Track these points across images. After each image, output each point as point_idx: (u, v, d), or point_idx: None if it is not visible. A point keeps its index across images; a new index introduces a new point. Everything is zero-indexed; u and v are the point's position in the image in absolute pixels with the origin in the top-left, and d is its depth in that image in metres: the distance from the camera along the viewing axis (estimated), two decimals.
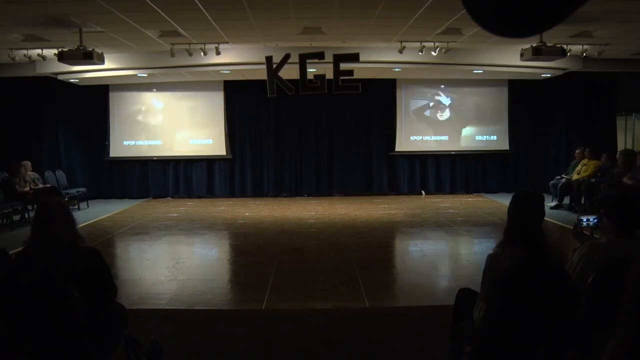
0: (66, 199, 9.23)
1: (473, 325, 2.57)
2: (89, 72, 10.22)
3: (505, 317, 2.34)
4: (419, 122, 12.88)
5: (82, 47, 7.92)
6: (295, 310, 4.56)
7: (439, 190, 12.86)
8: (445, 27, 8.02)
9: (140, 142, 12.70)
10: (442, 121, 12.89)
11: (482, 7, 1.41)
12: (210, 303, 4.77)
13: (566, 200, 9.98)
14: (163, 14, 7.04)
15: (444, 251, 7.24)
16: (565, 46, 8.60)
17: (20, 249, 2.71)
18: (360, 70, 9.34)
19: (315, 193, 12.68)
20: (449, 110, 12.87)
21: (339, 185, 12.81)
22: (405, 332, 3.97)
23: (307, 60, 8.38)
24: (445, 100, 12.88)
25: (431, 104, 12.91)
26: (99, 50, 8.36)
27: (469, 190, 12.87)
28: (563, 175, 10.41)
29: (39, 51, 8.87)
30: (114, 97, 12.51)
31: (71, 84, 11.28)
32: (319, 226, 8.72)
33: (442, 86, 12.78)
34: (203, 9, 6.84)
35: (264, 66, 8.58)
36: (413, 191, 12.82)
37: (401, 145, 12.78)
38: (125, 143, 12.64)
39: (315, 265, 6.26)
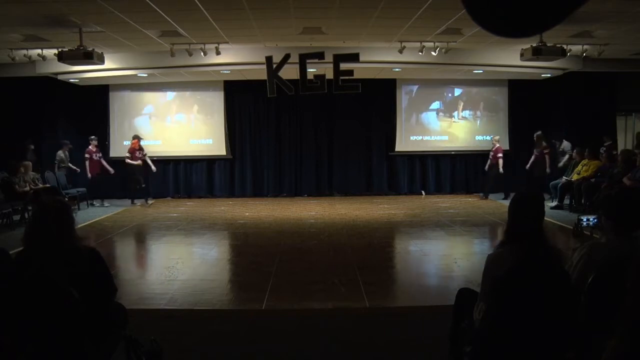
0: (66, 199, 9.22)
1: (473, 325, 2.57)
2: (89, 72, 10.23)
3: (505, 317, 2.34)
4: (419, 122, 12.88)
5: (82, 47, 7.92)
6: (295, 310, 4.56)
7: (439, 190, 12.85)
8: (445, 27, 8.02)
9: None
10: (442, 121, 12.88)
11: (482, 7, 1.41)
12: (210, 303, 4.77)
13: (566, 201, 9.98)
14: (163, 14, 7.04)
15: (444, 251, 7.23)
16: (565, 46, 8.60)
17: (20, 249, 2.71)
18: (360, 70, 9.35)
19: (315, 193, 12.67)
20: (449, 110, 12.86)
21: (339, 185, 12.81)
22: (405, 332, 3.96)
23: (307, 60, 8.39)
24: (445, 100, 12.88)
25: (431, 104, 12.90)
26: (99, 50, 8.36)
27: (469, 190, 12.87)
28: (564, 177, 10.41)
29: (39, 51, 8.87)
30: (114, 97, 12.51)
31: (71, 84, 11.28)
32: (319, 226, 8.72)
33: (442, 86, 12.77)
34: (203, 9, 6.84)
35: (264, 66, 8.59)
36: (413, 191, 12.82)
37: (401, 145, 12.78)
38: (125, 143, 12.60)
39: (315, 265, 6.25)
